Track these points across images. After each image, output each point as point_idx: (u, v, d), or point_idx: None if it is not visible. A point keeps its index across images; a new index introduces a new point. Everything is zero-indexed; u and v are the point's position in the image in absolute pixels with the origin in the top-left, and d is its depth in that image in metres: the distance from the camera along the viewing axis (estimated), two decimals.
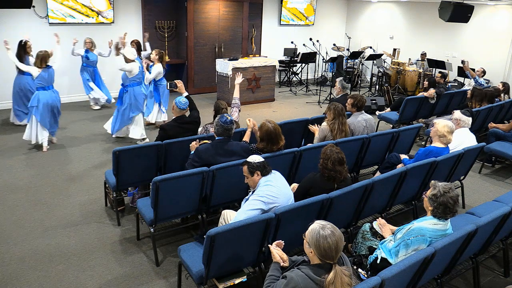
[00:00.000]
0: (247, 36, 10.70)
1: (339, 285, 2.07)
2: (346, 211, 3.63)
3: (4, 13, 7.96)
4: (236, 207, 4.22)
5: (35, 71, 5.97)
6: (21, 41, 6.87)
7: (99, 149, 6.42)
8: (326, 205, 3.26)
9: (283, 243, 2.55)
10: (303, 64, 12.09)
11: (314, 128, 4.93)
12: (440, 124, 4.24)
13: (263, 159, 3.22)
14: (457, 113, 5.05)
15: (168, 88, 5.32)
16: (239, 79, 5.40)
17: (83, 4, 8.74)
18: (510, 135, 6.16)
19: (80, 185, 5.21)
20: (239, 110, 5.16)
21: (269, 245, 2.55)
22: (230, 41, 10.48)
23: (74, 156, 6.13)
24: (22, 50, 6.80)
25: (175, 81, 5.09)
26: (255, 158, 3.21)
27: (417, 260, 2.56)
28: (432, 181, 2.90)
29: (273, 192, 3.13)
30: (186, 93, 4.97)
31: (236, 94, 5.23)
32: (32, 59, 6.76)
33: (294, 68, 12.03)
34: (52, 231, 4.19)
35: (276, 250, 2.49)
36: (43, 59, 5.97)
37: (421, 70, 10.01)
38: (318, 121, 5.18)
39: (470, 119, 5.01)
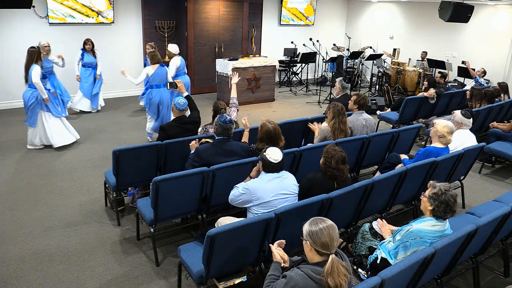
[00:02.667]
0: (247, 36, 10.70)
1: (336, 276, 2.08)
2: (346, 211, 3.63)
3: (4, 13, 7.96)
4: (236, 207, 4.22)
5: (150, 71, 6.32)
6: (33, 47, 6.16)
7: (99, 149, 6.42)
8: (326, 205, 3.26)
9: (285, 243, 2.55)
10: (303, 64, 12.09)
11: (314, 126, 4.92)
12: (440, 124, 4.24)
13: (275, 159, 3.17)
14: (458, 115, 5.03)
15: (168, 88, 5.32)
16: (235, 78, 5.40)
17: (83, 4, 8.73)
18: (510, 135, 6.16)
19: (80, 185, 5.21)
20: (237, 110, 5.16)
21: (270, 245, 2.56)
22: (230, 41, 10.48)
23: (74, 156, 6.13)
24: (37, 56, 6.01)
25: (175, 81, 5.09)
26: (270, 153, 3.19)
27: (417, 260, 2.56)
28: (431, 181, 2.90)
29: (252, 183, 3.20)
30: (186, 93, 4.97)
31: (234, 93, 5.23)
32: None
33: (294, 68, 12.03)
34: (52, 231, 4.19)
35: (277, 250, 2.49)
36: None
37: (421, 70, 10.01)
38: (318, 121, 5.17)
39: (470, 120, 5.01)
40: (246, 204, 3.23)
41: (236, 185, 3.32)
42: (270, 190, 3.17)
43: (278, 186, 3.20)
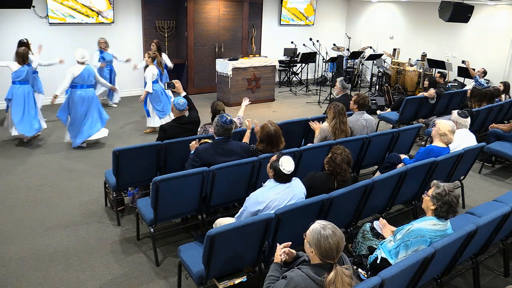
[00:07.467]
0: (247, 36, 10.70)
1: (340, 285, 2.06)
2: (346, 211, 3.63)
3: (4, 13, 7.96)
4: (236, 207, 4.23)
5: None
6: (24, 41, 6.69)
7: (99, 149, 6.42)
8: (326, 205, 3.26)
9: (290, 243, 2.53)
10: (303, 64, 12.09)
11: (314, 125, 4.91)
12: (442, 123, 4.27)
13: (288, 171, 3.08)
14: (454, 114, 5.05)
15: (166, 88, 5.30)
16: (246, 101, 5.38)
17: (83, 4, 8.74)
18: (510, 135, 6.16)
19: (80, 185, 5.21)
20: (240, 125, 5.14)
21: (278, 245, 2.50)
22: (230, 41, 10.48)
23: (74, 156, 6.13)
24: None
25: (172, 81, 5.08)
26: (283, 163, 3.08)
27: (417, 260, 2.56)
28: (434, 181, 2.90)
29: (262, 195, 3.11)
30: (184, 93, 4.96)
31: (241, 113, 5.26)
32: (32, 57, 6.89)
33: (294, 68, 12.03)
34: (52, 231, 4.19)
35: (281, 251, 2.47)
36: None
37: (421, 70, 10.01)
38: (318, 121, 5.16)
39: (467, 120, 4.99)
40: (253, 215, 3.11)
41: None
42: (279, 200, 3.13)
43: (287, 196, 3.16)
